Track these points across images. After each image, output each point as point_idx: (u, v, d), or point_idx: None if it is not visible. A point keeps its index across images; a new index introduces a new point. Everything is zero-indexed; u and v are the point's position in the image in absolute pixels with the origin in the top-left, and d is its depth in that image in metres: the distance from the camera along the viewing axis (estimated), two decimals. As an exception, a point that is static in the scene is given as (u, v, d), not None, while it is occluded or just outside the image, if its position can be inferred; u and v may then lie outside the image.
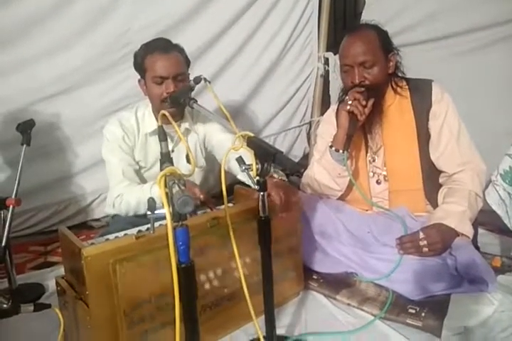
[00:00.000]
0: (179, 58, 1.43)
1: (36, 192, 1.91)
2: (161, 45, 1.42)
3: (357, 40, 1.36)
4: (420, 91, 1.42)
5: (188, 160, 1.53)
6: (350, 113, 1.36)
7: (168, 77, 1.39)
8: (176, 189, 0.70)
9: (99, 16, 1.90)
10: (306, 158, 2.78)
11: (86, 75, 1.94)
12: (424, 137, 1.41)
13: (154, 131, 1.50)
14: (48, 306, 1.00)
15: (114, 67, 1.99)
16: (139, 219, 1.41)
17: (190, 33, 2.13)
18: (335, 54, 2.52)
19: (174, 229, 0.71)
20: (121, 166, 1.48)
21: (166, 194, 0.74)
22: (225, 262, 1.10)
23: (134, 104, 1.98)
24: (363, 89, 1.36)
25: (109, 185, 1.50)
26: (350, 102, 1.36)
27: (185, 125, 1.56)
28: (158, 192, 1.42)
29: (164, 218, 0.72)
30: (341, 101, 1.52)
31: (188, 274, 0.72)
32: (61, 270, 1.48)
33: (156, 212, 0.90)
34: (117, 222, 1.48)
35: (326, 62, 2.66)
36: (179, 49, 1.46)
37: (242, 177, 1.45)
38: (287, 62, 2.62)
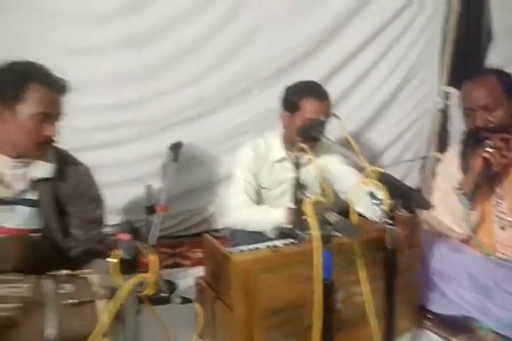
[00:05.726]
0: (329, 105, 1.65)
1: (168, 202, 2.18)
2: (319, 92, 1.63)
3: (477, 85, 1.40)
4: None
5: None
6: (486, 160, 1.35)
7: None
8: (333, 216, 0.81)
9: (234, 52, 2.18)
10: (416, 193, 2.71)
11: (220, 101, 2.23)
12: (556, 186, 1.34)
13: (280, 159, 1.70)
14: (191, 301, 1.17)
15: (241, 95, 2.26)
16: (259, 236, 1.57)
17: (314, 64, 2.31)
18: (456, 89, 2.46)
19: (323, 249, 0.82)
20: (245, 182, 1.68)
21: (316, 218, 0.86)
22: (344, 288, 1.15)
23: (256, 129, 2.22)
24: (509, 136, 1.35)
25: (230, 194, 1.70)
26: (490, 150, 1.34)
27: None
28: (278, 215, 1.57)
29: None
30: (464, 142, 1.50)
31: (329, 290, 0.81)
32: (190, 272, 1.70)
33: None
34: (239, 236, 1.65)
35: (446, 96, 2.61)
36: (329, 97, 1.66)
37: (359, 208, 1.52)
38: (406, 94, 2.62)
